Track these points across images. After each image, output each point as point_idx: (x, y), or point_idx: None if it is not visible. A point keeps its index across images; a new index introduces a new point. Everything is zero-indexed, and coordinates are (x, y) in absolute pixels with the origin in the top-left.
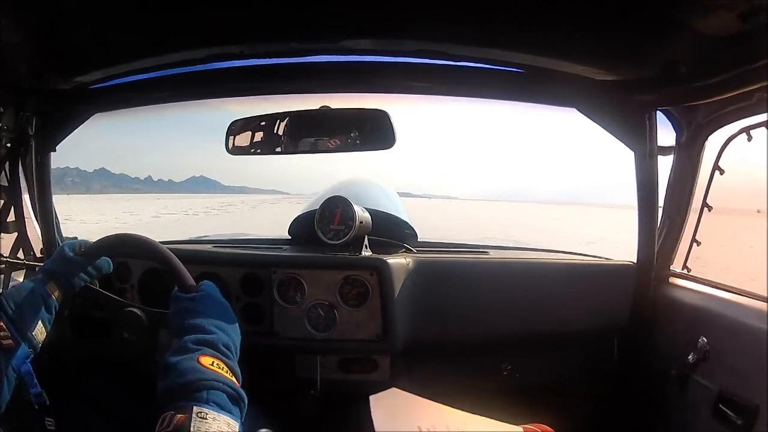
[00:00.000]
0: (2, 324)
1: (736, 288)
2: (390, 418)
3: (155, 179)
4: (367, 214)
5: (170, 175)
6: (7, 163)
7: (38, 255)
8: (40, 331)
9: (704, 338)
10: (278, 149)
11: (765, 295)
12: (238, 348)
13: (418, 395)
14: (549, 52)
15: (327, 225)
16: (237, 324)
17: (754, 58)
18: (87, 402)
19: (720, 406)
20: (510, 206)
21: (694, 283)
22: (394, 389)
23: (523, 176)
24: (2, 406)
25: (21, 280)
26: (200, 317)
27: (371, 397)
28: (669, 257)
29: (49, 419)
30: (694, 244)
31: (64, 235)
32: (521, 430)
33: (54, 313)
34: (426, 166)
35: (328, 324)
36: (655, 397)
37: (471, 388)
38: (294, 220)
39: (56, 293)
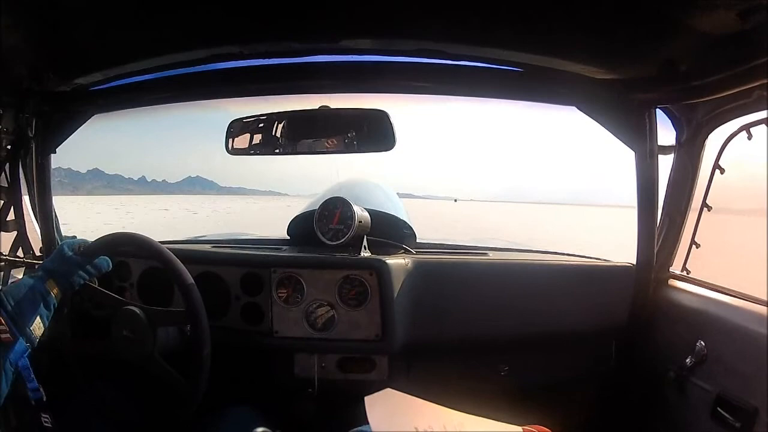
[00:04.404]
0: (1, 319)
1: (735, 291)
2: (386, 419)
3: (149, 179)
4: (366, 214)
5: (165, 176)
6: (8, 164)
7: (37, 254)
8: (38, 327)
9: (702, 341)
10: (277, 150)
11: (763, 298)
12: None
13: (416, 395)
14: (548, 52)
15: (326, 225)
16: None
17: (753, 56)
18: (85, 399)
19: (718, 408)
20: (514, 208)
21: (693, 286)
22: (389, 390)
23: (525, 176)
24: (0, 399)
25: (20, 277)
26: None
27: (366, 398)
28: (668, 259)
29: (45, 415)
30: (694, 245)
31: (65, 235)
32: (520, 430)
33: (53, 310)
34: (426, 166)
35: (327, 324)
36: (653, 399)
37: (469, 389)
38: (293, 220)
39: (55, 291)
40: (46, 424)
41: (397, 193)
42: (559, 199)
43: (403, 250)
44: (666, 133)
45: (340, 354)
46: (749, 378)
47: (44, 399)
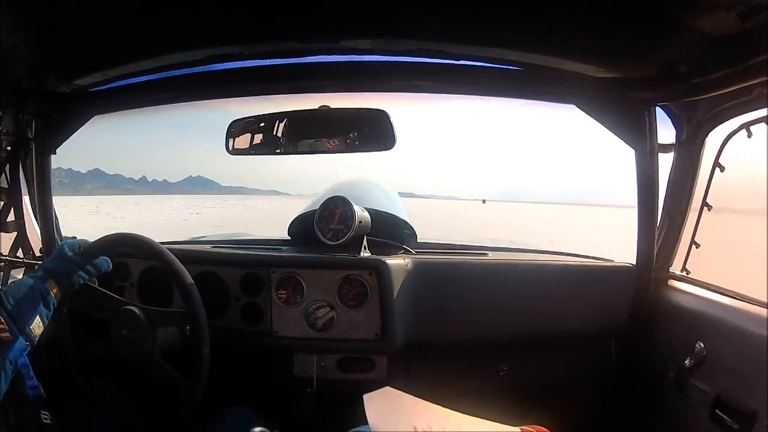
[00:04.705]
0: (1, 318)
1: (734, 292)
2: (385, 418)
3: (150, 180)
4: (366, 214)
5: (165, 176)
6: (8, 165)
7: (37, 255)
8: (37, 326)
9: (701, 342)
10: (278, 150)
11: (763, 300)
12: None
13: (415, 395)
14: (548, 50)
15: (326, 225)
16: None
17: (753, 54)
18: (85, 399)
19: (717, 410)
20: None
21: (693, 286)
22: (388, 388)
23: (527, 176)
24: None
25: (20, 277)
26: None
27: (364, 396)
28: (668, 259)
29: (45, 412)
30: (694, 245)
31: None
32: (518, 430)
33: (53, 309)
34: (426, 165)
35: (327, 324)
36: (652, 400)
37: (468, 389)
38: (293, 221)
39: (55, 290)
40: (46, 421)
41: (399, 193)
42: (563, 200)
43: (403, 250)
44: (666, 131)
45: (340, 354)
46: (748, 380)
47: (44, 396)
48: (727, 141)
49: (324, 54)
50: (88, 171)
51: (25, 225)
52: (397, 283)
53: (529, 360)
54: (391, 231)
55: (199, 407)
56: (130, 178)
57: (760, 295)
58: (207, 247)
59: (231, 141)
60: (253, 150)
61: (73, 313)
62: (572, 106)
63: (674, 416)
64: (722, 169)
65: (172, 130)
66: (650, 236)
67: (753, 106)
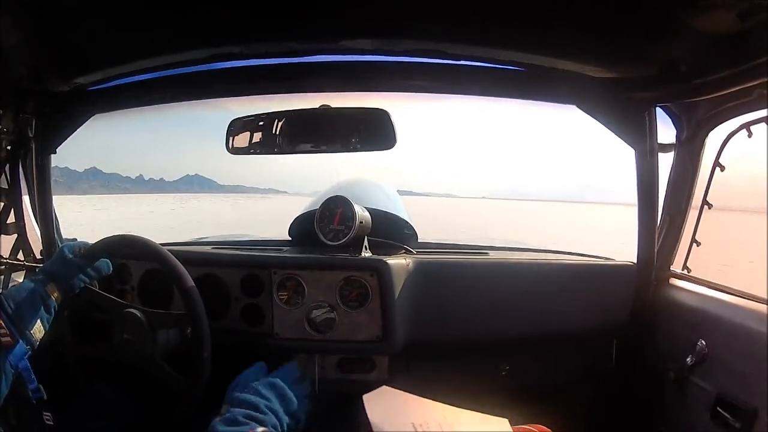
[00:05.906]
0: (1, 322)
1: (735, 290)
2: (385, 417)
3: (146, 178)
4: (367, 214)
5: (163, 174)
6: (7, 165)
7: (38, 257)
8: (38, 330)
9: (703, 340)
10: (277, 149)
11: (764, 296)
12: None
13: (416, 395)
14: (548, 51)
15: (327, 225)
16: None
17: (753, 55)
18: (86, 402)
19: (718, 408)
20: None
21: (694, 285)
22: (385, 387)
23: (528, 174)
24: (0, 401)
25: (20, 281)
26: (257, 395)
27: (364, 396)
28: (669, 257)
29: (47, 414)
30: (694, 244)
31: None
32: (508, 424)
33: (53, 313)
34: (426, 164)
35: (328, 325)
36: (654, 398)
37: (469, 389)
38: (294, 221)
39: (56, 294)
40: (48, 422)
41: (398, 191)
42: (565, 197)
43: (403, 250)
44: (666, 130)
45: (341, 355)
46: (749, 378)
47: (45, 398)
48: (728, 141)
49: (324, 54)
50: (85, 170)
51: (25, 227)
52: (398, 283)
53: (530, 359)
54: (391, 231)
55: (200, 408)
56: (126, 177)
57: (760, 291)
58: (207, 249)
59: (231, 140)
60: (252, 149)
61: (73, 316)
62: (572, 106)
63: (675, 414)
64: (722, 168)
65: (171, 129)
66: (650, 235)
67: (753, 106)
